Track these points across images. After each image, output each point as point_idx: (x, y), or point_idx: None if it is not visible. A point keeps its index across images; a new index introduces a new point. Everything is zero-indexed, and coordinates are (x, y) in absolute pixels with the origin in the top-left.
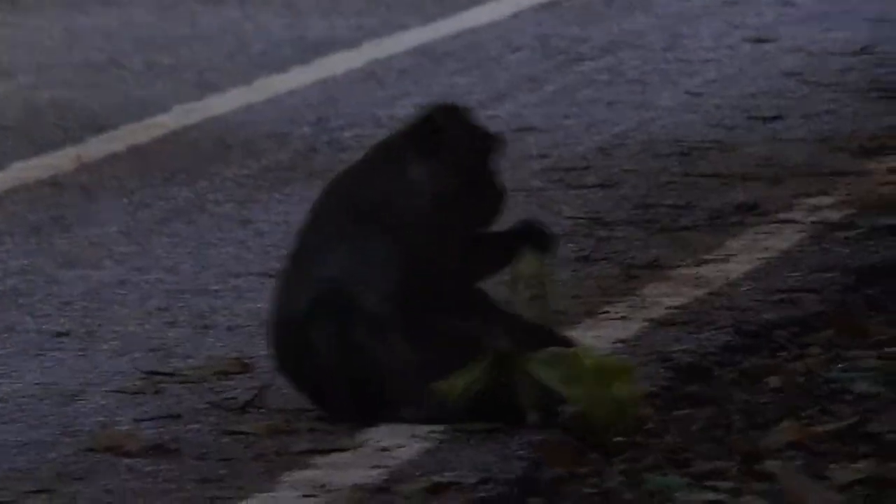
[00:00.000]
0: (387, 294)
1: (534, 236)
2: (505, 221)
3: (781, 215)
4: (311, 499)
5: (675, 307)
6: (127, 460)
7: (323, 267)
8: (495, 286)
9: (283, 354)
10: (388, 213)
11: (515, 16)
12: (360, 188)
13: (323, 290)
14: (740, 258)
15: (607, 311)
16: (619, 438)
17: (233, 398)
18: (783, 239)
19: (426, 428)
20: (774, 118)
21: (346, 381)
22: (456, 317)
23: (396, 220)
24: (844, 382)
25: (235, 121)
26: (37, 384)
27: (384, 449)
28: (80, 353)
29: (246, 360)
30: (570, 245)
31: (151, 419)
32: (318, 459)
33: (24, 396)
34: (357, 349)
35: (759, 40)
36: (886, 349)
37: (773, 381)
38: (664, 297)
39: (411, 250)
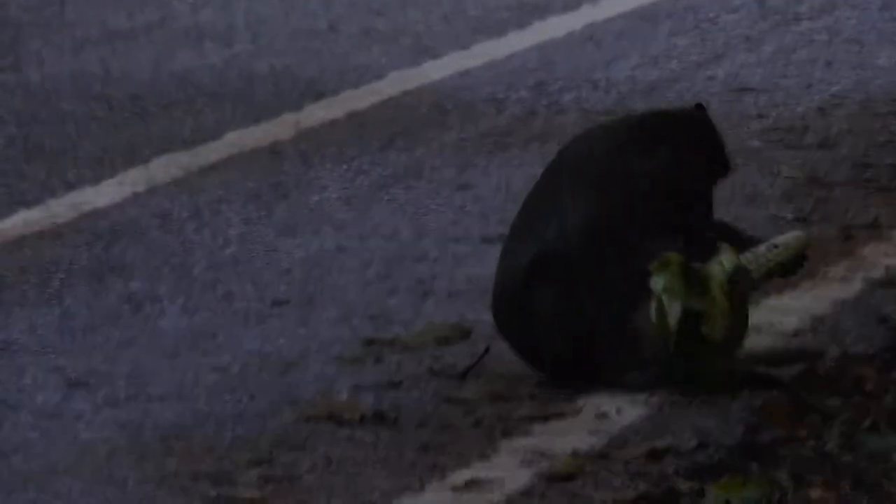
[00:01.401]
0: (608, 258)
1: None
2: (725, 182)
3: None
4: (531, 465)
5: (895, 267)
6: (346, 429)
7: (545, 230)
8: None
9: (504, 319)
10: (618, 186)
11: None
12: (596, 163)
13: (543, 253)
14: None
15: (827, 272)
16: (837, 401)
17: (453, 365)
18: None
19: (646, 393)
20: None
21: (567, 345)
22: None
23: (628, 190)
24: None
25: (453, 86)
26: (256, 353)
27: (603, 414)
28: (299, 321)
29: (466, 327)
30: (790, 205)
31: (371, 387)
32: (538, 426)
33: (243, 365)
34: (578, 312)
35: None
36: None
37: None
38: (884, 257)
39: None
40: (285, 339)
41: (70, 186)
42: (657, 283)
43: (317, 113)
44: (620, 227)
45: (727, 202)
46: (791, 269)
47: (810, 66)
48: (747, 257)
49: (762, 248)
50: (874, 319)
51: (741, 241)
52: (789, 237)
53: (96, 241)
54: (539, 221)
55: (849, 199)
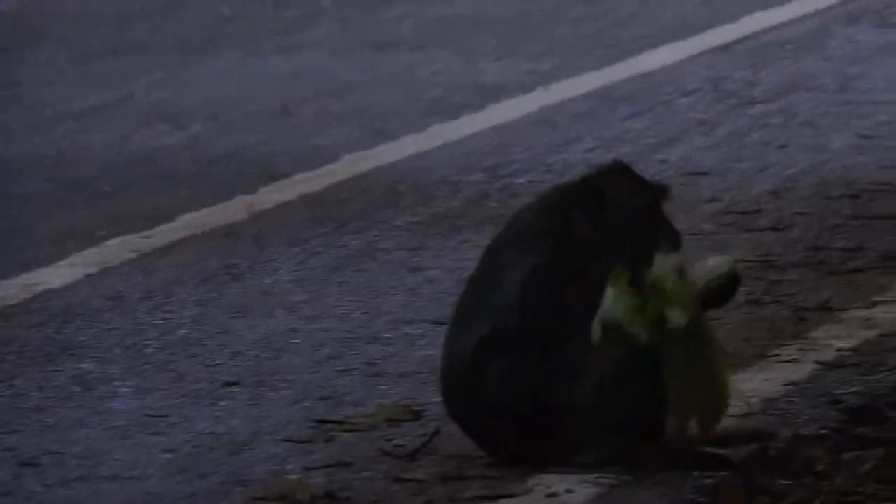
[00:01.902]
0: (557, 332)
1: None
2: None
3: None
4: None
5: (846, 349)
6: None
7: (489, 309)
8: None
9: (454, 400)
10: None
11: (688, 59)
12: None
13: (489, 332)
14: None
15: (778, 354)
16: (789, 482)
17: (403, 446)
18: None
19: (597, 472)
20: None
21: (516, 424)
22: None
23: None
24: None
25: (407, 168)
26: (208, 433)
27: (553, 494)
28: (250, 402)
29: (416, 408)
30: (742, 288)
31: (322, 467)
32: None
33: (195, 446)
34: (526, 391)
35: None
36: None
37: None
38: (835, 339)
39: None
40: (237, 419)
41: (23, 267)
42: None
43: (271, 195)
44: (563, 298)
45: None
46: (728, 296)
47: (764, 149)
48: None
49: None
50: (825, 401)
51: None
52: (716, 260)
53: (49, 322)
54: (483, 300)
55: (801, 282)
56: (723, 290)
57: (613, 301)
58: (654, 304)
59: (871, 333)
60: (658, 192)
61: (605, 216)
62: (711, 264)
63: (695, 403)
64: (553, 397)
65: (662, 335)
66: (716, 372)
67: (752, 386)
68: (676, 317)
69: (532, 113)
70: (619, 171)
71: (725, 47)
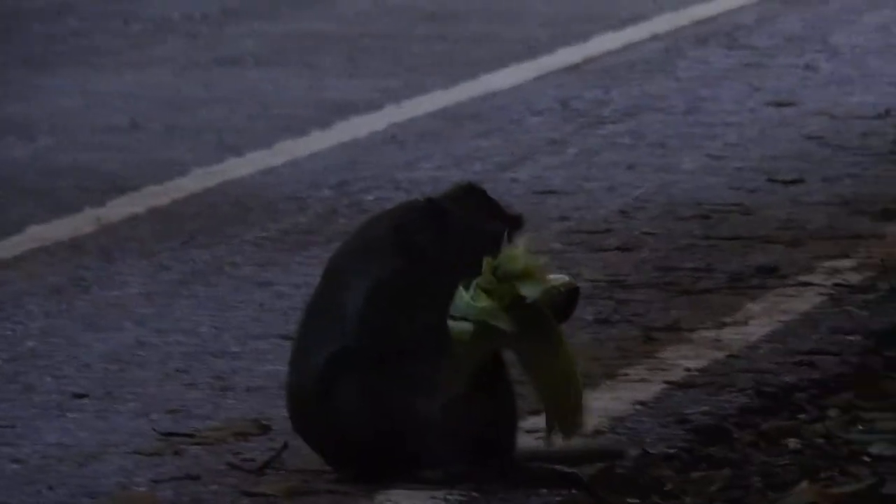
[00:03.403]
0: (402, 349)
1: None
2: None
3: (801, 278)
4: None
5: (695, 369)
6: None
7: (339, 326)
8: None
9: (302, 417)
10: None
11: (537, 79)
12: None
13: (340, 350)
14: (760, 321)
15: (627, 374)
16: (637, 501)
17: (251, 459)
18: (803, 301)
19: (445, 490)
20: (795, 181)
21: (365, 441)
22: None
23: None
24: (863, 444)
25: (255, 184)
26: (55, 445)
27: None
28: (99, 415)
29: (264, 422)
30: (590, 307)
31: (170, 480)
32: None
33: (43, 458)
34: (375, 408)
35: (780, 104)
36: None
37: (792, 442)
38: (684, 359)
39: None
40: (85, 432)
41: None
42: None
43: (119, 208)
44: (409, 315)
45: None
46: (565, 310)
47: (614, 169)
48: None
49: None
50: (673, 420)
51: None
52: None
53: None
54: (329, 317)
55: (650, 302)
56: (564, 302)
57: (470, 300)
58: (507, 286)
59: (719, 354)
60: (511, 222)
61: (449, 237)
62: (551, 279)
63: (557, 403)
64: (400, 414)
65: (520, 320)
66: (572, 373)
67: (600, 405)
68: (531, 290)
69: (379, 131)
70: (473, 195)
71: (575, 67)
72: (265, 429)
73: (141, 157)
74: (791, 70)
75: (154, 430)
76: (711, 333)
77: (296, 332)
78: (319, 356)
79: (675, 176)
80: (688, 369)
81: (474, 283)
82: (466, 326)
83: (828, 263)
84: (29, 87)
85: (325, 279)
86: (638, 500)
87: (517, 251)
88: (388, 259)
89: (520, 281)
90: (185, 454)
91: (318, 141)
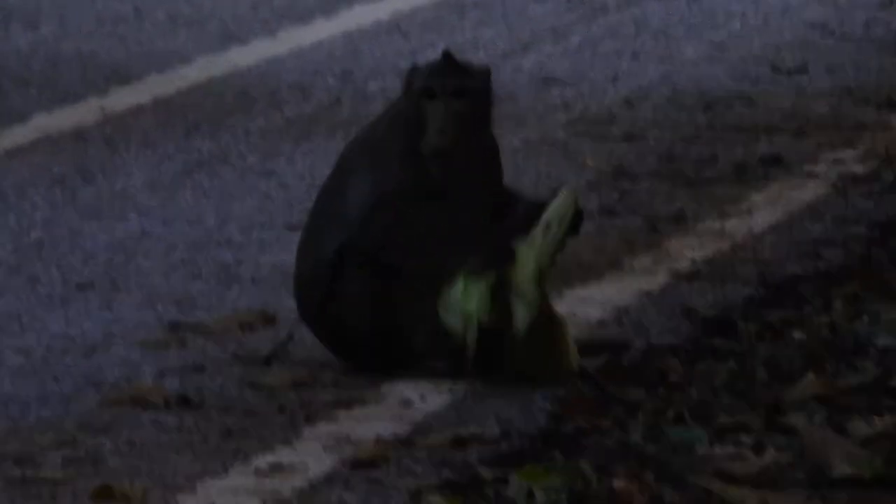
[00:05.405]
0: (412, 248)
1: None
2: (530, 173)
3: (805, 168)
4: (335, 451)
5: (699, 260)
6: (150, 413)
7: (348, 220)
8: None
9: (309, 306)
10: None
11: None
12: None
13: (349, 242)
14: (764, 211)
15: (631, 264)
16: (641, 392)
17: (256, 350)
18: (807, 192)
19: (450, 380)
20: (799, 71)
21: (373, 331)
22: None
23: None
24: (868, 336)
25: (259, 73)
26: (60, 336)
27: (407, 402)
28: (103, 305)
29: (270, 313)
30: (595, 197)
31: (175, 371)
32: (341, 412)
33: (48, 349)
34: (384, 300)
35: None
36: None
37: (797, 334)
38: (688, 249)
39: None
40: (89, 322)
41: None
42: (462, 297)
43: (123, 98)
44: (414, 220)
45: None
46: (573, 232)
47: (617, 58)
48: (530, 250)
49: (538, 232)
50: (679, 312)
51: (525, 215)
52: (557, 207)
53: None
54: (338, 214)
55: (654, 192)
56: (571, 231)
57: (479, 301)
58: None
59: (723, 244)
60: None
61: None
62: (552, 212)
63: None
64: (409, 309)
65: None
66: (562, 341)
67: (604, 295)
68: (522, 318)
69: (383, 20)
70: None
71: None
72: (271, 320)
73: (145, 46)
74: None
75: (159, 321)
76: (716, 224)
77: (305, 222)
78: (327, 249)
79: (679, 65)
80: (693, 260)
81: (460, 278)
82: (472, 331)
83: (832, 153)
84: None
85: (334, 173)
86: (644, 391)
87: (521, 264)
88: (397, 162)
89: (520, 293)
90: (190, 345)
91: (322, 29)
